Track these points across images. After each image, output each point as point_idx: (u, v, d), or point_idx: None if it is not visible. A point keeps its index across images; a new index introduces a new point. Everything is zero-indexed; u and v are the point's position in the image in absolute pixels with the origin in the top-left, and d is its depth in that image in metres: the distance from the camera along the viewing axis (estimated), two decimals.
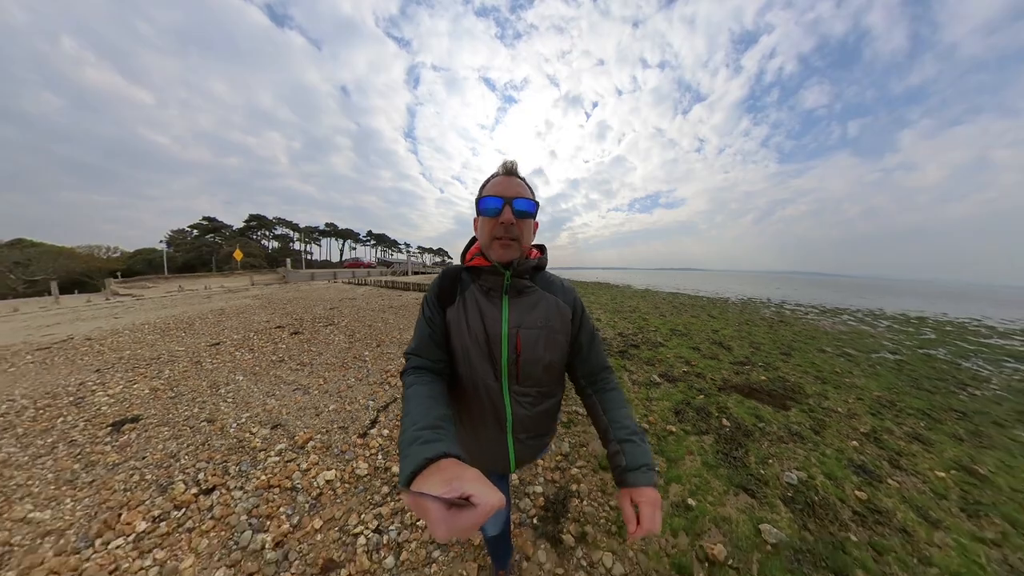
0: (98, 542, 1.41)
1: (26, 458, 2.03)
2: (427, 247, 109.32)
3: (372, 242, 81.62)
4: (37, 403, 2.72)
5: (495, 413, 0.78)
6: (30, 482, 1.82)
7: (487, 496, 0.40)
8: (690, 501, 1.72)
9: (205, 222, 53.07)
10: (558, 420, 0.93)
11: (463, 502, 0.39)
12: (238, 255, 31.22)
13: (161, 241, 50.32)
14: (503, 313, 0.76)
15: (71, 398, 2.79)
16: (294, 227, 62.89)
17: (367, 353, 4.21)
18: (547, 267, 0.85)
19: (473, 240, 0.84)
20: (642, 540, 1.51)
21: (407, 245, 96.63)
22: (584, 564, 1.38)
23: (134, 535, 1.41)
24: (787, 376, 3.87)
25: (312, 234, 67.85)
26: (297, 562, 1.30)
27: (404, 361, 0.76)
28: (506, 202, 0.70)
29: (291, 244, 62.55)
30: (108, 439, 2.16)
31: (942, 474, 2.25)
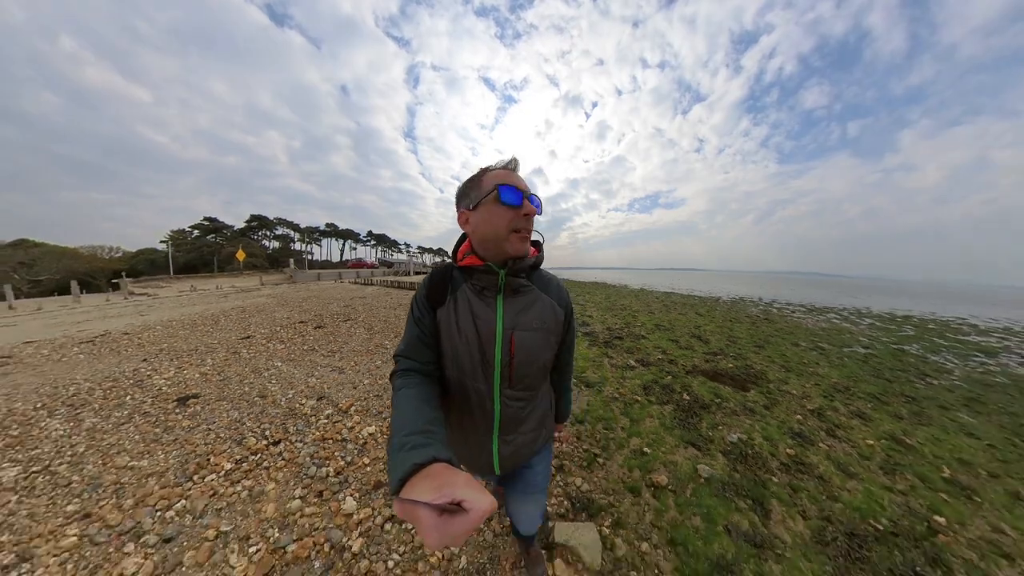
0: (195, 477, 1.86)
1: (110, 425, 2.49)
2: (427, 247, 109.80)
3: (372, 242, 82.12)
4: (102, 385, 3.18)
5: (484, 416, 0.77)
6: (121, 442, 2.28)
7: (479, 502, 0.39)
8: (646, 450, 2.21)
9: (206, 222, 53.48)
10: (551, 417, 0.93)
11: (455, 508, 0.39)
12: (241, 255, 31.68)
13: (162, 241, 50.76)
14: (497, 314, 0.74)
15: (131, 381, 3.25)
16: (295, 227, 63.35)
17: (387, 343, 4.79)
18: (543, 266, 0.84)
19: (463, 238, 0.80)
20: (604, 473, 1.99)
21: (407, 245, 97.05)
22: (562, 485, 1.86)
23: (224, 471, 1.87)
24: (754, 365, 4.34)
25: (312, 234, 68.31)
26: (354, 483, 1.78)
27: (394, 363, 0.75)
28: (525, 195, 0.70)
29: (291, 244, 63.03)
30: (177, 411, 2.62)
31: (872, 442, 2.70)
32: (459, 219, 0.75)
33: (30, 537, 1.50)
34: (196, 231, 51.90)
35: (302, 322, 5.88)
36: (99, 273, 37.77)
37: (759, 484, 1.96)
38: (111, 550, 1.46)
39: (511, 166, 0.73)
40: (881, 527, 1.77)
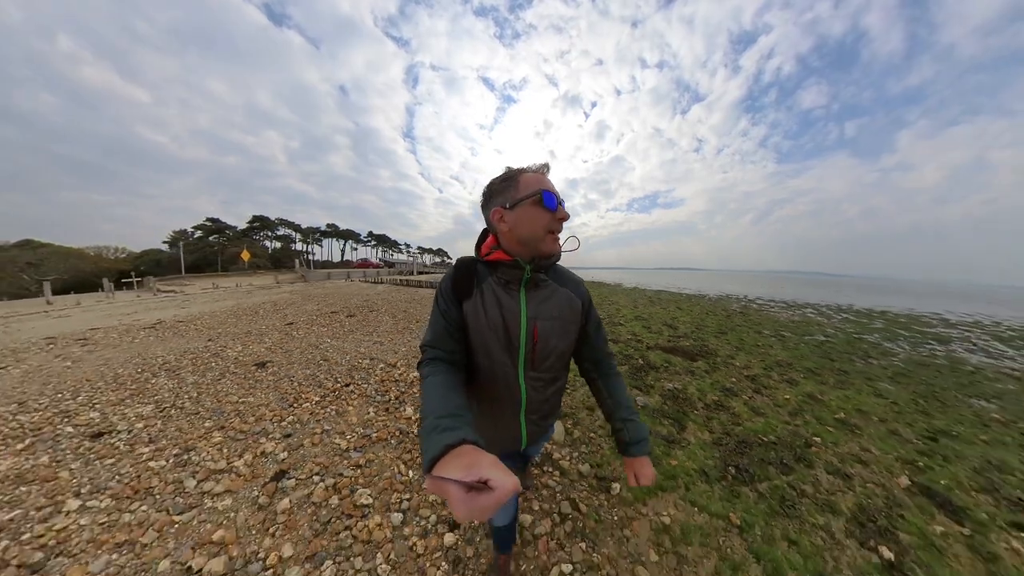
0: (295, 405, 2.72)
1: (208, 380, 3.34)
2: (427, 247, 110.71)
3: (372, 242, 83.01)
4: (184, 356, 4.03)
5: (511, 398, 0.85)
6: (225, 389, 3.13)
7: (504, 481, 0.43)
8: None
9: (209, 223, 54.29)
10: (561, 401, 1.02)
11: (481, 486, 0.43)
12: (245, 255, 32.50)
13: (164, 242, 51.58)
14: (521, 305, 0.80)
15: (209, 353, 4.11)
16: (296, 227, 64.23)
17: (412, 326, 5.85)
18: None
19: (485, 233, 0.87)
20: (568, 399, 2.82)
21: (407, 245, 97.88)
22: None
23: (314, 401, 2.73)
24: (709, 344, 5.23)
25: (313, 234, 69.18)
26: (409, 401, 2.68)
27: (420, 353, 0.81)
28: (559, 200, 0.76)
29: (291, 245, 63.90)
30: (258, 372, 3.49)
31: (788, 397, 3.52)
32: (492, 216, 0.79)
33: (186, 440, 2.31)
34: (199, 231, 52.79)
35: (333, 312, 6.83)
36: (105, 273, 38.66)
37: (682, 413, 2.83)
38: (249, 442, 2.30)
39: (545, 171, 0.79)
40: (767, 440, 2.61)
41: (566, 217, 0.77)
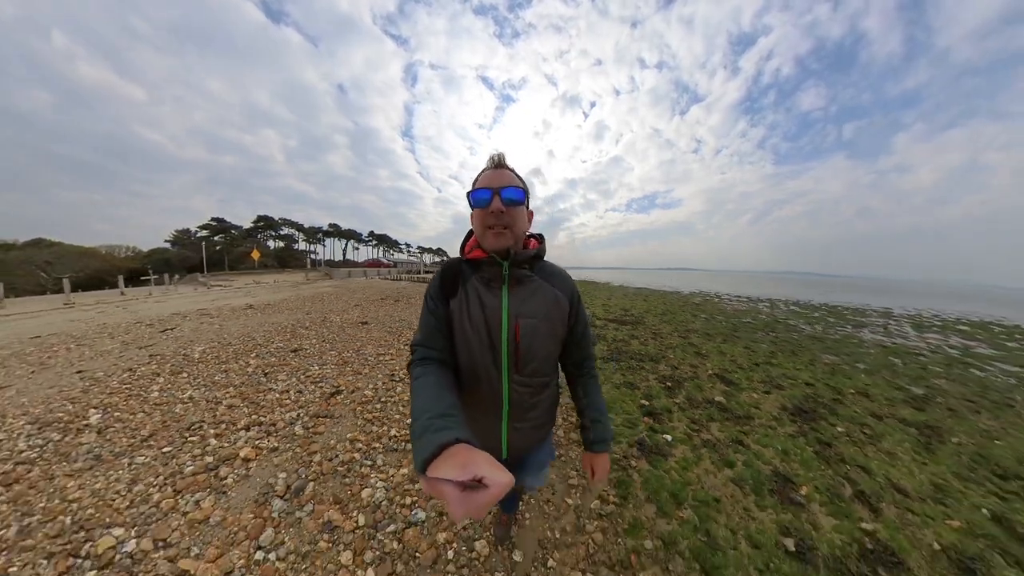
0: (399, 338, 4.75)
1: (335, 333, 5.35)
2: (426, 247, 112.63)
3: (373, 242, 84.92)
4: (301, 323, 5.98)
5: (494, 401, 0.85)
6: (350, 336, 5.14)
7: (498, 477, 0.44)
8: None
9: (214, 223, 56.10)
10: (556, 410, 1.00)
11: (476, 484, 0.43)
12: (256, 255, 34.44)
13: (167, 240, 53.41)
14: (503, 303, 0.81)
15: (317, 321, 6.12)
16: (299, 227, 66.12)
17: None
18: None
19: (470, 234, 0.89)
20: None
21: (407, 245, 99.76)
22: None
23: (372, 358, 4.69)
24: (645, 320, 7.22)
25: (316, 235, 71.06)
26: None
27: (410, 352, 0.82)
28: (495, 192, 0.76)
29: (293, 244, 65.79)
30: (364, 327, 5.51)
31: (673, 342, 5.43)
32: (470, 216, 0.84)
33: (356, 347, 4.32)
34: (205, 231, 54.60)
35: (382, 299, 8.94)
36: (115, 271, 40.49)
37: (634, 357, 4.86)
38: (388, 348, 4.34)
39: (489, 165, 0.82)
40: (641, 353, 4.64)
41: (497, 209, 0.76)
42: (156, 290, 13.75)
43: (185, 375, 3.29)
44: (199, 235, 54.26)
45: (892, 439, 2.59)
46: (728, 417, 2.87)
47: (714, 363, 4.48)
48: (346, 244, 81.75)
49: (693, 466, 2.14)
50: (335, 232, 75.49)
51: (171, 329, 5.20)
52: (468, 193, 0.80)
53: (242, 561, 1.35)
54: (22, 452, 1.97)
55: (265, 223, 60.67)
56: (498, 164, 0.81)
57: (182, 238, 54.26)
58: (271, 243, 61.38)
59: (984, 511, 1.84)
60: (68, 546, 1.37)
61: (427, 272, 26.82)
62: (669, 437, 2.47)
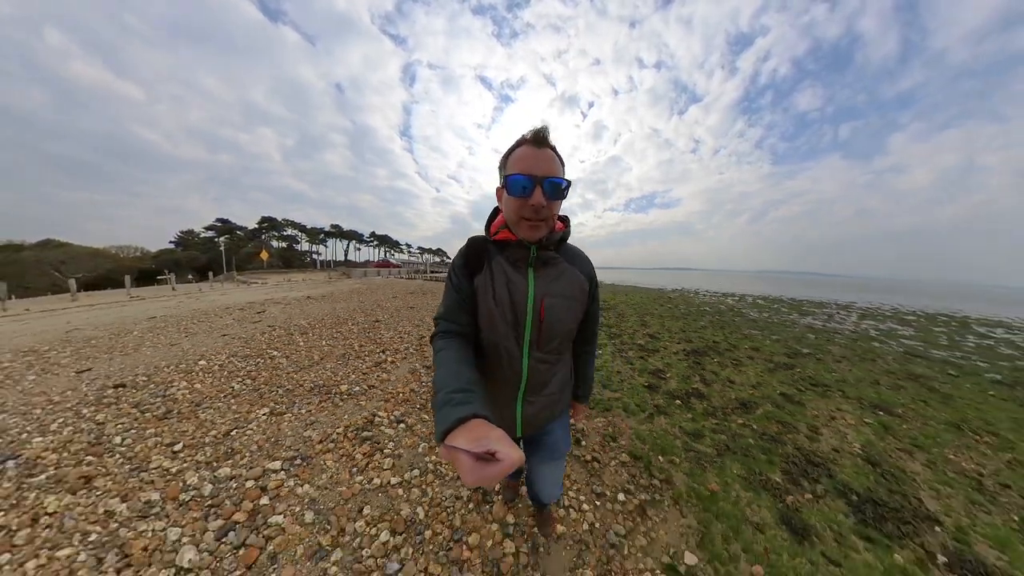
0: (422, 328, 6.48)
1: (392, 315, 7.08)
2: (425, 247, 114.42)
3: (375, 243, 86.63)
4: (358, 309, 7.74)
5: (513, 376, 0.88)
6: (406, 316, 6.88)
7: (509, 453, 0.48)
8: None
9: (219, 223, 57.76)
10: (570, 386, 1.05)
11: (489, 457, 0.47)
12: (264, 255, 36.12)
13: (171, 241, 54.96)
14: (529, 283, 0.83)
15: (372, 307, 7.84)
16: (302, 228, 67.80)
17: None
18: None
19: (496, 211, 0.88)
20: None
21: (408, 245, 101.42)
22: None
23: (426, 335, 6.44)
24: (619, 307, 9.12)
25: (318, 235, 72.74)
26: None
27: (434, 325, 0.85)
28: (536, 182, 0.72)
29: (295, 245, 67.47)
30: (413, 310, 7.26)
31: (633, 323, 7.25)
32: (497, 193, 0.83)
33: (415, 324, 6.04)
34: (210, 232, 56.26)
35: (410, 293, 10.79)
36: (125, 271, 42.12)
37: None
38: (411, 350, 6.06)
39: (530, 138, 0.74)
40: (604, 324, 6.43)
41: (539, 204, 0.73)
42: (179, 288, 15.49)
43: (310, 335, 5.01)
44: (202, 235, 55.87)
45: (751, 367, 4.34)
46: (643, 351, 4.85)
47: (652, 329, 6.50)
48: (348, 245, 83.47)
49: (609, 362, 4.14)
50: (337, 233, 77.22)
51: (263, 312, 6.91)
52: (501, 172, 0.78)
53: (406, 391, 3.07)
54: (246, 369, 3.67)
55: (269, 224, 62.35)
56: (541, 141, 0.74)
57: (186, 239, 55.89)
58: (274, 243, 63.05)
59: (779, 392, 3.54)
60: (324, 386, 3.11)
61: (434, 272, 28.78)
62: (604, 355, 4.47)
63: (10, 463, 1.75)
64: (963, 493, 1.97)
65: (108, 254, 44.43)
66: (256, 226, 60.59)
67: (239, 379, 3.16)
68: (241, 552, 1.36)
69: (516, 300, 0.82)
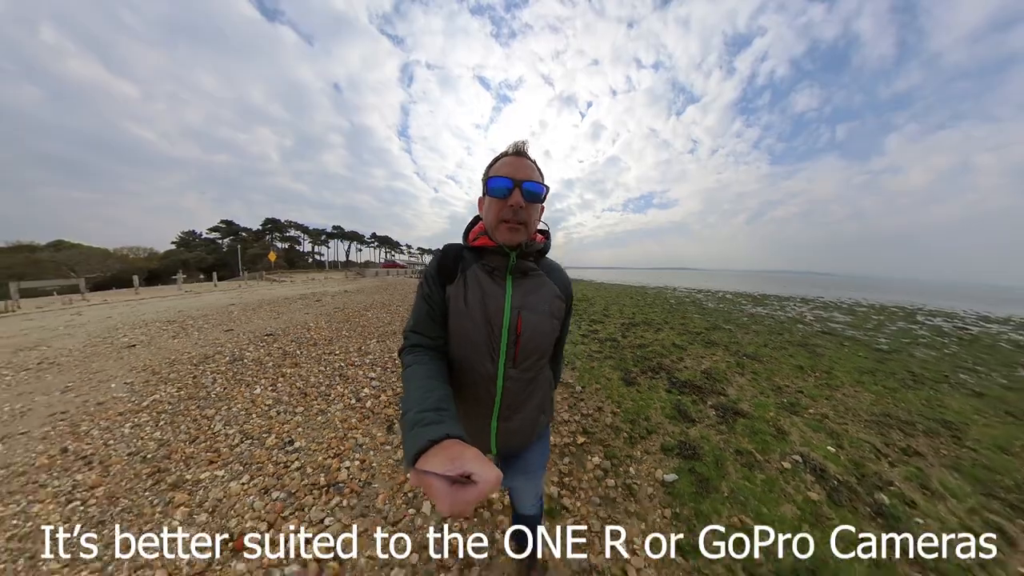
0: None
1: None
2: (424, 248, 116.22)
3: (375, 244, 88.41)
4: (392, 300, 9.39)
5: (486, 395, 0.83)
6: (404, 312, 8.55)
7: (486, 474, 0.45)
8: None
9: (223, 225, 59.48)
10: (550, 409, 1.00)
11: (464, 480, 0.45)
12: (272, 256, 37.80)
13: (172, 242, 56.55)
14: (506, 294, 0.80)
15: (404, 296, 9.51)
16: (304, 229, 69.57)
17: None
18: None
19: (477, 219, 0.88)
20: None
21: (408, 246, 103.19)
22: None
23: None
24: (595, 302, 10.79)
25: (320, 236, 74.53)
26: None
27: (403, 340, 0.80)
28: (516, 184, 0.73)
29: (296, 246, 69.20)
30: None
31: (601, 307, 8.94)
32: (479, 202, 0.84)
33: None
34: (215, 233, 57.98)
35: None
36: (135, 272, 43.81)
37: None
38: None
39: (511, 150, 0.78)
40: (578, 310, 8.12)
41: (517, 204, 0.74)
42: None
43: (370, 313, 6.74)
44: (204, 236, 57.50)
45: (667, 332, 6.08)
46: (593, 319, 6.71)
47: (610, 312, 8.26)
48: (349, 245, 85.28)
49: (576, 331, 5.76)
50: (339, 234, 79.00)
51: (319, 301, 8.64)
52: (484, 178, 0.79)
53: None
54: (347, 325, 5.33)
55: (273, 225, 64.10)
56: (520, 152, 0.79)
57: (188, 239, 57.50)
58: (277, 244, 64.77)
59: (673, 343, 5.23)
60: (360, 357, 4.80)
61: None
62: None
63: (244, 358, 3.48)
64: (758, 390, 3.58)
65: (119, 255, 46.14)
66: (260, 227, 62.34)
67: (346, 329, 4.99)
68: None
69: (491, 312, 0.79)
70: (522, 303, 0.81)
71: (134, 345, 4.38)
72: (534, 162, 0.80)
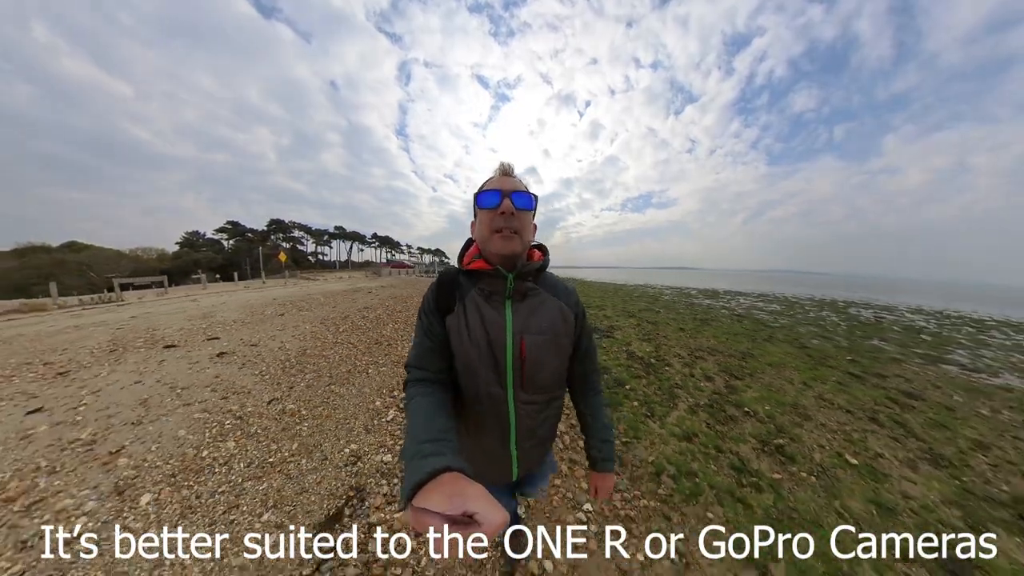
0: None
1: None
2: (424, 247, 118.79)
3: (376, 244, 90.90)
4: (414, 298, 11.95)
5: (499, 422, 0.82)
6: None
7: (491, 515, 0.41)
8: None
9: (230, 226, 61.77)
10: (557, 425, 0.99)
11: (467, 519, 0.41)
12: (283, 257, 40.28)
13: (176, 243, 58.76)
14: (506, 318, 0.79)
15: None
16: (308, 230, 72.03)
17: None
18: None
19: (469, 243, 0.88)
20: None
21: (408, 246, 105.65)
22: None
23: None
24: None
25: (322, 236, 76.98)
26: None
27: (405, 373, 0.80)
28: (505, 194, 0.75)
29: (298, 246, 71.43)
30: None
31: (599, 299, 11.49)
32: (471, 227, 0.88)
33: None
34: (222, 234, 60.20)
35: None
36: (145, 272, 46.08)
37: None
38: None
39: (497, 173, 0.83)
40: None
41: (508, 211, 0.75)
42: (219, 285, 19.76)
43: (408, 302, 9.26)
44: (207, 236, 59.52)
45: (610, 311, 8.62)
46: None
47: (600, 306, 10.72)
48: (351, 246, 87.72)
49: None
50: (340, 234, 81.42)
51: (372, 291, 11.17)
52: (475, 196, 0.81)
53: None
54: (396, 308, 7.84)
55: (277, 226, 66.53)
56: (505, 172, 0.82)
57: (192, 239, 59.58)
58: (282, 244, 67.10)
59: (608, 317, 7.83)
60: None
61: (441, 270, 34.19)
62: None
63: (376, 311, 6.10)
64: (642, 332, 6.15)
65: (132, 256, 48.51)
66: (265, 228, 64.74)
67: (399, 311, 7.43)
68: None
69: (494, 339, 0.78)
70: (524, 326, 0.80)
71: (282, 314, 6.79)
72: (520, 180, 0.83)
